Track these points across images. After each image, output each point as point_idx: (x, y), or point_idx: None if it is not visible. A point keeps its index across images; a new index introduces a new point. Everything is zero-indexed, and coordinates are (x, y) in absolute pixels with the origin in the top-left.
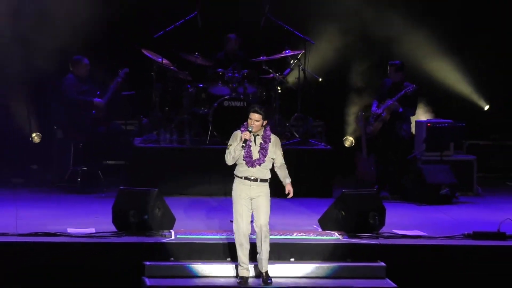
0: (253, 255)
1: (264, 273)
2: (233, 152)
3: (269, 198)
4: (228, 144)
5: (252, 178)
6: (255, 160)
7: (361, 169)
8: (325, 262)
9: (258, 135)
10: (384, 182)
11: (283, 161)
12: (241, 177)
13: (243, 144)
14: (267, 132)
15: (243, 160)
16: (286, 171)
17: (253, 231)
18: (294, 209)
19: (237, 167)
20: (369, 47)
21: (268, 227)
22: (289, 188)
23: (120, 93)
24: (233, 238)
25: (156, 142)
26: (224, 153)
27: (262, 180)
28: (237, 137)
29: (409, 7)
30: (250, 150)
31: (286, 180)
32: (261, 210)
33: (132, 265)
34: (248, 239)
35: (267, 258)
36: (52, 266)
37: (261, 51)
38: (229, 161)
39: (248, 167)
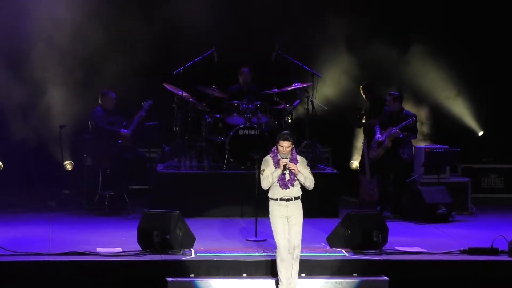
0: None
1: None
2: (271, 178)
3: (302, 216)
4: (262, 169)
5: (286, 198)
6: (287, 182)
7: (365, 191)
8: (333, 277)
9: (287, 158)
10: (386, 202)
11: (310, 176)
12: (276, 199)
13: (285, 171)
14: (293, 155)
15: (277, 183)
16: (309, 176)
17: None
18: (304, 228)
19: (271, 190)
20: (373, 77)
21: (300, 247)
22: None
23: (145, 123)
24: (249, 255)
25: (177, 168)
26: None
27: (296, 198)
28: (269, 162)
29: (414, 38)
30: (283, 174)
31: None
32: (295, 230)
33: (156, 281)
34: (288, 253)
35: (297, 276)
36: (82, 283)
37: (273, 84)
38: (266, 186)
39: (283, 189)
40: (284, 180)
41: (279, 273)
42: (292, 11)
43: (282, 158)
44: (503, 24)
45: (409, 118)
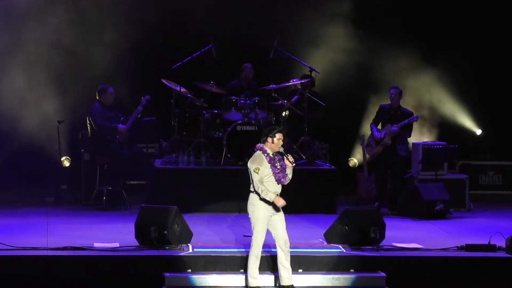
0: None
1: (290, 286)
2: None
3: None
4: (255, 168)
5: (276, 194)
6: (282, 177)
7: (363, 187)
8: (330, 273)
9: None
10: (384, 199)
11: None
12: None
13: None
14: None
15: (270, 180)
16: None
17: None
18: (302, 224)
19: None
20: (370, 74)
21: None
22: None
23: (143, 119)
24: (246, 251)
25: (175, 163)
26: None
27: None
28: (263, 160)
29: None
30: (278, 169)
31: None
32: (281, 226)
33: (153, 276)
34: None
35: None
36: (79, 278)
37: (271, 80)
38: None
39: (284, 183)
40: (280, 175)
41: (252, 270)
42: (292, 7)
43: (280, 151)
44: (498, 24)
45: (408, 115)
